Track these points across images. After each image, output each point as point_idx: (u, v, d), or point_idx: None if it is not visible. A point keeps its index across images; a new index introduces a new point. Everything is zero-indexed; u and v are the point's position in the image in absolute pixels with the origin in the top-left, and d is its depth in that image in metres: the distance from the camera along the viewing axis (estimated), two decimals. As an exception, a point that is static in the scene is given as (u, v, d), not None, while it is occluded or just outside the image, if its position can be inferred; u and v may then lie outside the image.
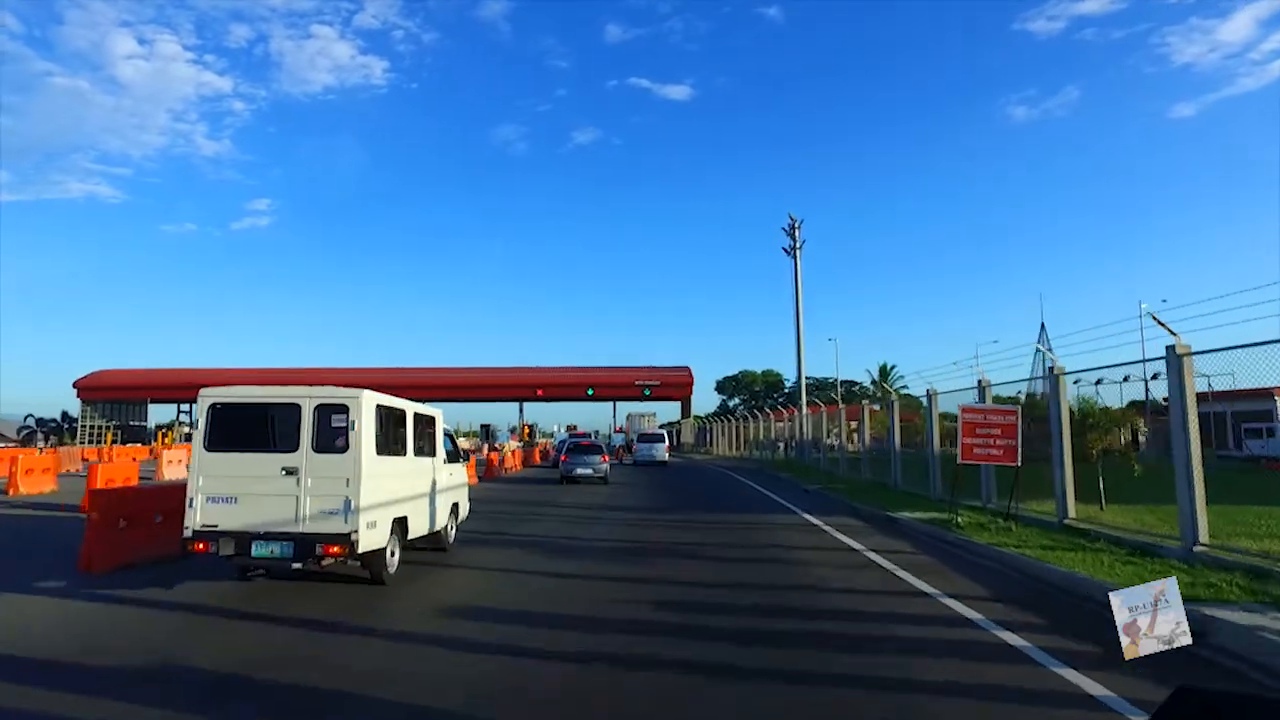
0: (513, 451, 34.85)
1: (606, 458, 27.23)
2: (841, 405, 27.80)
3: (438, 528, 10.75)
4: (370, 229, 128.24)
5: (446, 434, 12.12)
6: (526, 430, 74.46)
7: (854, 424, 29.45)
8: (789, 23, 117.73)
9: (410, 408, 10.11)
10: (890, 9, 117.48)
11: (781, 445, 43.13)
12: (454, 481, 11.78)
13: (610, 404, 74.90)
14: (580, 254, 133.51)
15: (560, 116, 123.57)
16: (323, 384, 9.15)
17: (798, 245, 36.73)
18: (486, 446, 55.61)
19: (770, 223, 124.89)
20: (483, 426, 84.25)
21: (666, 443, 43.89)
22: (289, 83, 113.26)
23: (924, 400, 18.67)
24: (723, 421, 57.08)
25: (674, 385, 69.54)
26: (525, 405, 75.63)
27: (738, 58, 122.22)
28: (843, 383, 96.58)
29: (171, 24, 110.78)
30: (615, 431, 72.50)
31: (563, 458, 27.83)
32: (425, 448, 10.51)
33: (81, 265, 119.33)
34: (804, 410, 35.67)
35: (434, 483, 10.66)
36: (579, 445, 28.25)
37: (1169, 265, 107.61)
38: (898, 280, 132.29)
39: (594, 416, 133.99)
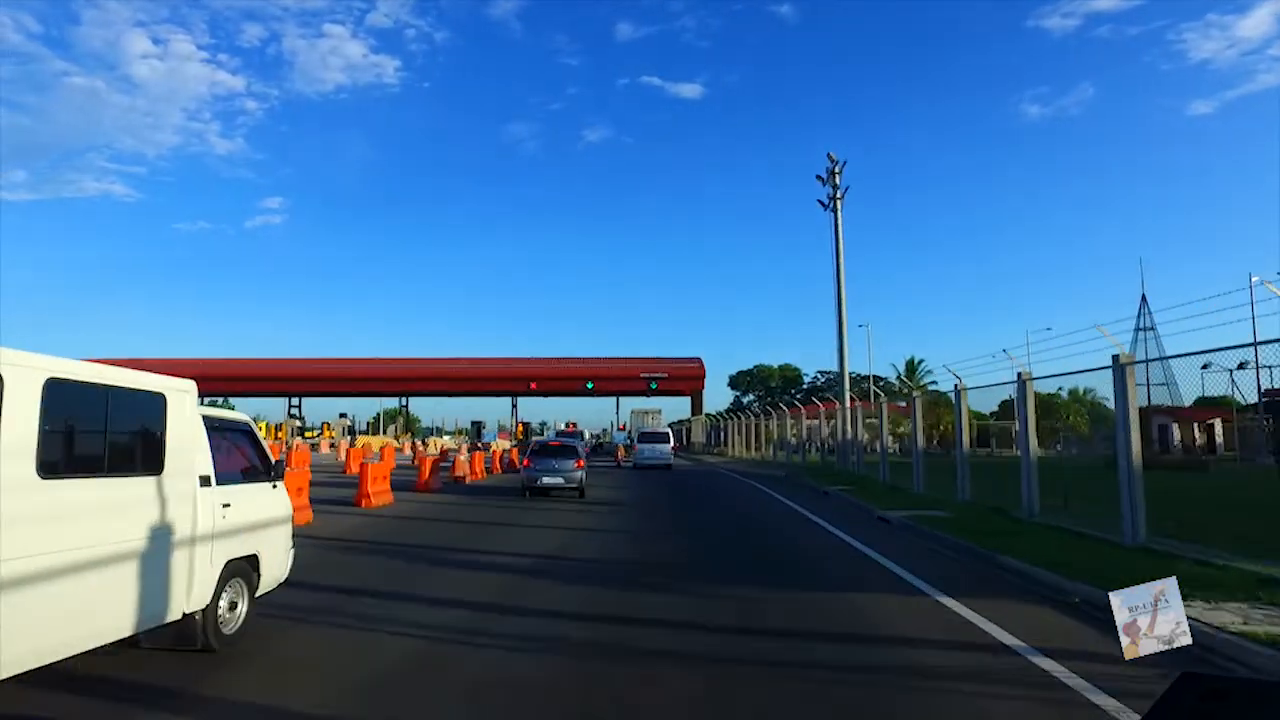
0: (474, 454, 27.34)
1: (582, 463, 19.94)
2: (917, 394, 20.09)
3: (172, 616, 5.10)
4: (382, 227, 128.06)
5: (236, 429, 6.46)
6: (520, 428, 67.13)
7: (932, 421, 21.81)
8: (801, 20, 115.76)
9: (28, 368, 4.12)
10: (903, 5, 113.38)
11: (813, 446, 35.44)
12: (240, 520, 6.01)
13: (613, 400, 67.38)
14: (590, 250, 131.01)
15: (572, 115, 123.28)
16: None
17: (838, 195, 28.98)
18: (466, 446, 48.19)
19: (783, 215, 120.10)
20: (474, 424, 77.07)
21: (671, 442, 36.46)
22: (301, 82, 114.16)
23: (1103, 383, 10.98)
24: (738, 418, 49.46)
25: (683, 378, 61.89)
26: (524, 401, 68.36)
27: (750, 55, 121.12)
28: (865, 378, 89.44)
29: (185, 23, 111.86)
30: (619, 430, 65.02)
31: (524, 461, 20.44)
32: (115, 458, 4.83)
33: (97, 263, 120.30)
34: (848, 402, 27.94)
35: (153, 529, 4.99)
36: (546, 447, 20.81)
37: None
38: (917, 276, 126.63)
39: (598, 413, 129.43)
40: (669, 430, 38.41)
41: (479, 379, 62.26)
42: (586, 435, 48.13)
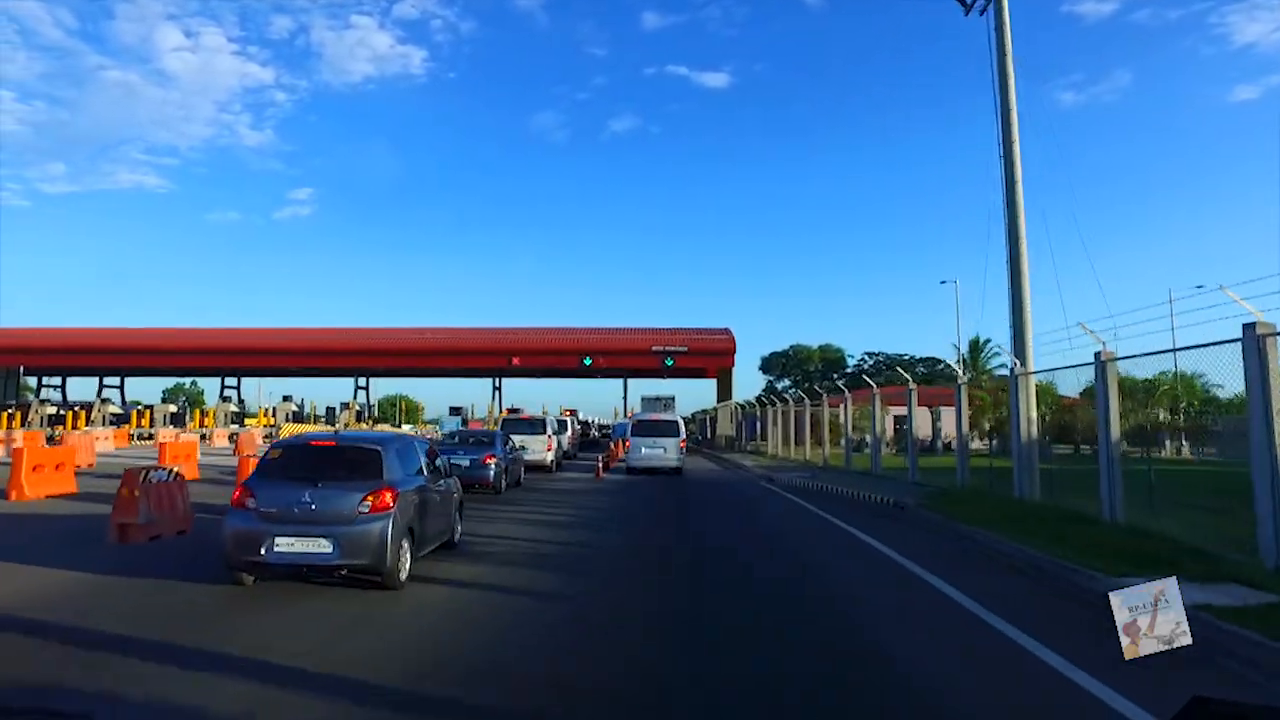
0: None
1: (388, 498, 6.70)
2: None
3: None
4: (408, 217, 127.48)
5: None
6: (505, 416, 54.11)
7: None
8: (827, 8, 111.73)
9: None
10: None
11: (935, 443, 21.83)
12: None
13: (621, 383, 53.89)
14: (610, 236, 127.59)
15: (598, 105, 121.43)
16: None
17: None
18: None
19: (803, 199, 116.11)
20: (452, 410, 64.27)
21: (681, 435, 23.51)
22: (329, 73, 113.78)
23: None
24: (783, 404, 35.79)
25: (708, 353, 48.31)
26: (517, 385, 55.48)
27: (777, 44, 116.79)
28: (919, 360, 75.84)
29: (216, 16, 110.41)
30: (627, 419, 51.57)
31: (235, 495, 7.10)
32: None
33: (129, 255, 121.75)
34: (1031, 363, 14.12)
35: None
36: (301, 450, 7.55)
37: None
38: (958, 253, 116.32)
39: (605, 399, 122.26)
40: (678, 419, 25.00)
41: (448, 353, 49.22)
42: (569, 424, 34.67)
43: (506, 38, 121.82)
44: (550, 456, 23.03)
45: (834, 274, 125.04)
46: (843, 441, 28.88)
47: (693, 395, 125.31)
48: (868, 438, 30.75)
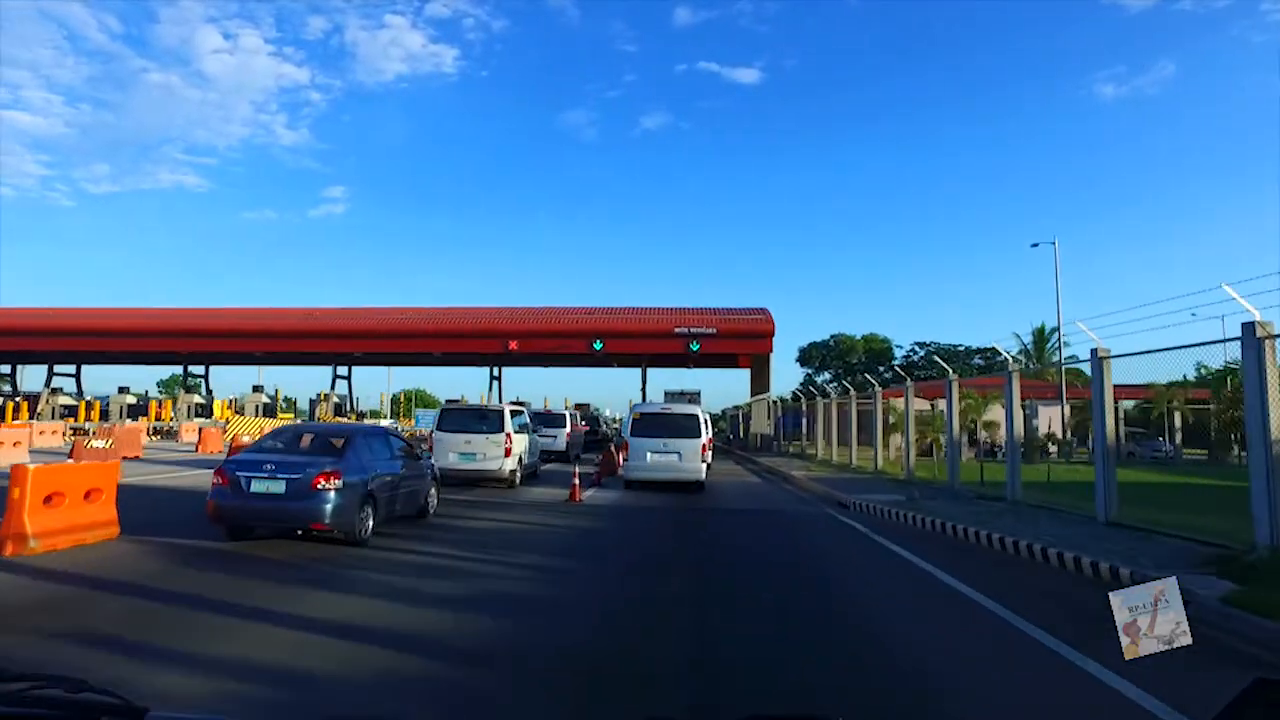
0: None
1: None
2: None
3: None
4: (440, 213, 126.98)
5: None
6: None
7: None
8: (861, 2, 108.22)
9: None
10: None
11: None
12: None
13: (638, 371, 46.02)
14: (632, 231, 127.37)
15: (629, 102, 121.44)
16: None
17: None
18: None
19: (831, 197, 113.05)
20: (448, 403, 57.11)
21: (704, 437, 15.92)
22: (363, 72, 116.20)
23: None
24: (838, 397, 27.70)
25: (741, 335, 40.25)
26: (522, 374, 48.15)
27: (810, 39, 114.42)
28: (976, 351, 67.36)
29: (253, 18, 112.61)
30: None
31: None
32: None
33: (169, 252, 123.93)
34: None
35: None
36: None
37: None
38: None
39: (625, 394, 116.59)
40: (699, 414, 16.78)
41: (431, 335, 41.90)
42: (569, 418, 27.40)
43: (538, 35, 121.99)
44: (508, 465, 15.40)
45: (875, 263, 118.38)
46: (929, 445, 20.87)
47: (722, 390, 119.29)
48: (943, 439, 22.68)
